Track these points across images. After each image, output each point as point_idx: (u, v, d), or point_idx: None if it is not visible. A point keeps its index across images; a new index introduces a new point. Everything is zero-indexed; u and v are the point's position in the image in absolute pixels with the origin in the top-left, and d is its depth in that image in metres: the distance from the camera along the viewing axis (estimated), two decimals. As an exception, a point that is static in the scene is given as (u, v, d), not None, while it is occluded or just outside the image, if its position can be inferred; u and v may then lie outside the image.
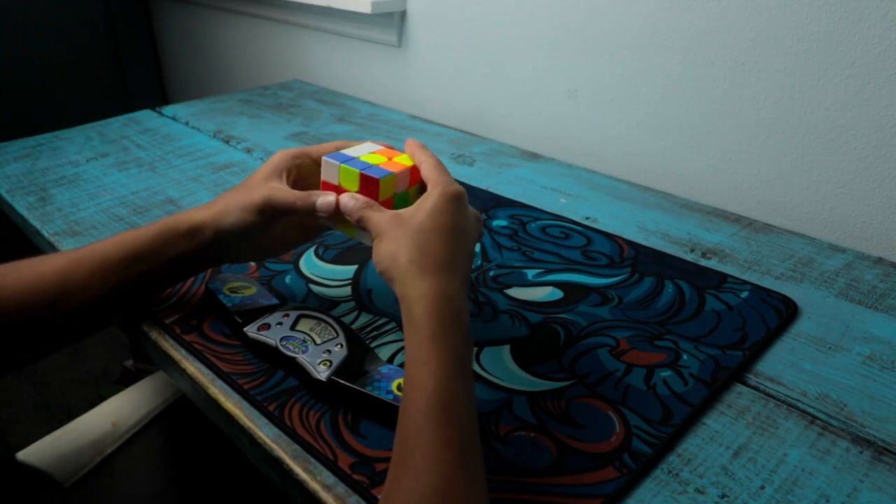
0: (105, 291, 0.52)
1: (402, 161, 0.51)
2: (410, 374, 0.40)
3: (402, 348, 0.54)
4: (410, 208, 0.46)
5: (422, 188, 0.49)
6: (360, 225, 0.48)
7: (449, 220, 0.45)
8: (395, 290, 0.44)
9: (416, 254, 0.43)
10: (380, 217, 0.46)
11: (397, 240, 0.44)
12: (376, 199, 0.49)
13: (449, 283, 0.43)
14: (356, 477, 0.43)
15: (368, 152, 0.52)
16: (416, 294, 0.42)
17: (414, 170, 0.51)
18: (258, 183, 0.52)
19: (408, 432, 0.38)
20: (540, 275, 0.66)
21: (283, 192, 0.51)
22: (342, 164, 0.50)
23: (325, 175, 0.51)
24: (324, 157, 0.51)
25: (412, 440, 0.37)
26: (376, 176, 0.48)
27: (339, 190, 0.51)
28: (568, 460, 0.44)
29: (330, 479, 0.43)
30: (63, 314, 0.51)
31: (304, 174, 0.55)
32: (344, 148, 0.54)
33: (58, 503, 0.66)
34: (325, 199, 0.49)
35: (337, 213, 0.49)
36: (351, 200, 0.48)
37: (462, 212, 0.47)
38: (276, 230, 0.56)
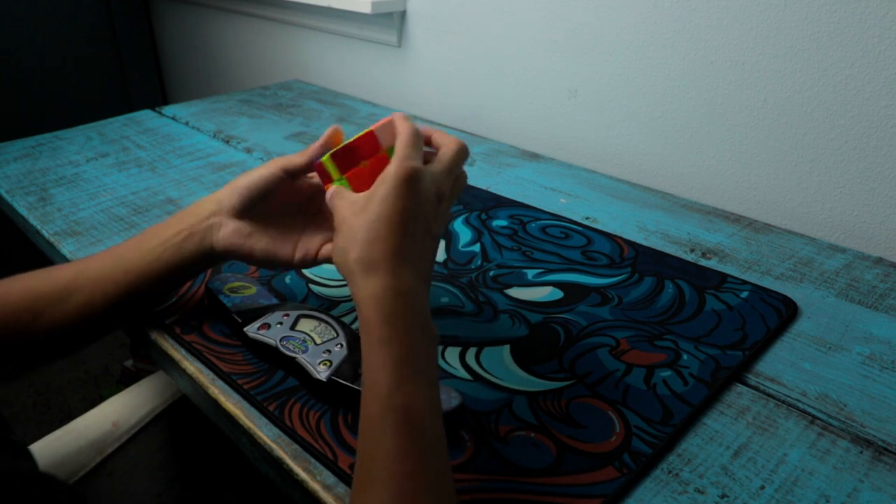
0: (109, 281, 0.52)
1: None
2: (365, 380, 0.39)
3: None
4: (367, 192, 0.43)
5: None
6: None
7: (399, 205, 0.41)
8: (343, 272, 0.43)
9: (363, 250, 0.41)
10: (341, 205, 0.44)
11: (350, 232, 0.42)
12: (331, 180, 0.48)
13: (399, 277, 0.40)
14: (356, 477, 0.43)
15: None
16: (364, 295, 0.40)
17: (367, 137, 0.47)
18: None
19: (366, 442, 0.37)
20: (540, 275, 0.66)
21: (291, 157, 0.52)
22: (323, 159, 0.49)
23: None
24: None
25: (370, 450, 0.36)
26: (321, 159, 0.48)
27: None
28: (568, 460, 0.44)
29: (330, 479, 0.43)
30: (70, 311, 0.51)
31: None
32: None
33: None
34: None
35: None
36: (328, 193, 0.47)
37: (415, 195, 0.42)
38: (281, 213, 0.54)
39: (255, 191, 0.52)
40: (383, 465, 0.35)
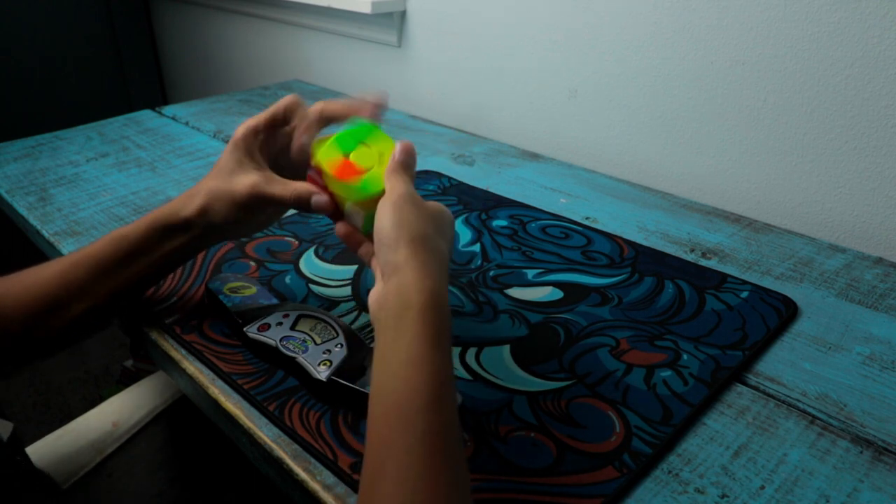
0: (105, 292, 0.52)
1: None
2: (401, 373, 0.38)
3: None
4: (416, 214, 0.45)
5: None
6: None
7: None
8: (383, 262, 0.43)
9: (415, 230, 0.43)
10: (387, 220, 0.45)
11: (395, 228, 0.43)
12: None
13: (444, 284, 0.43)
14: (356, 477, 0.43)
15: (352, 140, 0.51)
16: (416, 286, 0.40)
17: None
18: (234, 168, 0.51)
19: (392, 434, 0.36)
20: (540, 275, 0.66)
21: (271, 185, 0.50)
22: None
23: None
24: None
25: (402, 444, 0.35)
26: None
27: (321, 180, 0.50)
28: (568, 460, 0.44)
29: (330, 479, 0.43)
30: (68, 319, 0.52)
31: (278, 143, 0.55)
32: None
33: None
34: (320, 198, 0.49)
35: (331, 196, 0.50)
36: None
37: (419, 210, 0.45)
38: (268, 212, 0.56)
39: (248, 214, 0.52)
40: (410, 460, 0.35)
